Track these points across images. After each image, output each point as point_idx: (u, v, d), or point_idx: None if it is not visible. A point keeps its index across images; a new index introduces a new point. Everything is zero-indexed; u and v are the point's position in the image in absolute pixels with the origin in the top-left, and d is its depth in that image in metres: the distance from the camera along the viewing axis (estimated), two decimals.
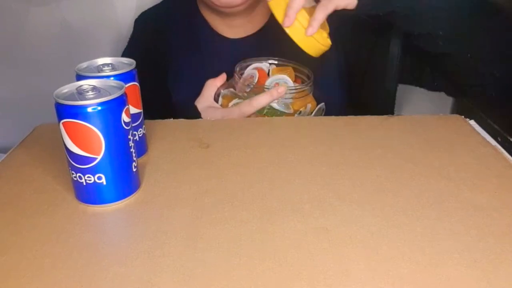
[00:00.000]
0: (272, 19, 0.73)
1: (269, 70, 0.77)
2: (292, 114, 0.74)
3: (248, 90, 0.73)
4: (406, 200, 0.48)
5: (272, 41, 0.76)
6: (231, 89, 0.77)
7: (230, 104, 0.75)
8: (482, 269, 0.38)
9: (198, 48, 0.83)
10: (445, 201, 0.48)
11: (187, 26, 0.85)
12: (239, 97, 0.75)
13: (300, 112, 0.74)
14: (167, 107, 0.81)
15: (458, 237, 0.42)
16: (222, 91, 0.77)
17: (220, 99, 0.77)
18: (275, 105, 0.72)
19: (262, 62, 0.78)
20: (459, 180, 0.52)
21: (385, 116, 0.65)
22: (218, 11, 0.80)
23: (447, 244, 0.41)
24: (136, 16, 0.92)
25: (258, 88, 0.72)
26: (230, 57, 0.80)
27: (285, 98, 0.72)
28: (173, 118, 0.66)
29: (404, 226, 0.44)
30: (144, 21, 0.89)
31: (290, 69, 0.77)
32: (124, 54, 0.89)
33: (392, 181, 0.52)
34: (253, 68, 0.76)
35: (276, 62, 0.79)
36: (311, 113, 0.76)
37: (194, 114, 0.72)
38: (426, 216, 0.45)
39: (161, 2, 0.90)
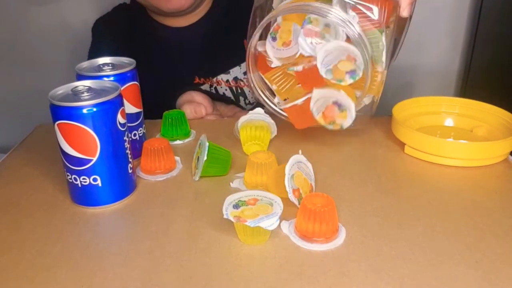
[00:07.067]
0: (213, 9, 0.87)
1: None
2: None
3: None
4: (407, 200, 0.48)
5: (213, 27, 0.88)
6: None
7: None
8: (483, 269, 0.38)
9: (150, 42, 0.90)
10: (446, 201, 0.48)
11: (139, 25, 0.92)
12: None
13: None
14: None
15: (458, 237, 0.42)
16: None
17: None
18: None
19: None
20: (460, 180, 0.52)
21: (386, 116, 0.65)
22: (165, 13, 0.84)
23: (448, 244, 0.41)
24: None
25: None
26: (177, 44, 0.88)
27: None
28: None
29: (404, 226, 0.44)
30: (100, 26, 0.95)
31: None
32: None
33: (392, 181, 0.52)
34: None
35: None
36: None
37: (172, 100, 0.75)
38: (426, 216, 0.45)
39: (112, 9, 0.96)
